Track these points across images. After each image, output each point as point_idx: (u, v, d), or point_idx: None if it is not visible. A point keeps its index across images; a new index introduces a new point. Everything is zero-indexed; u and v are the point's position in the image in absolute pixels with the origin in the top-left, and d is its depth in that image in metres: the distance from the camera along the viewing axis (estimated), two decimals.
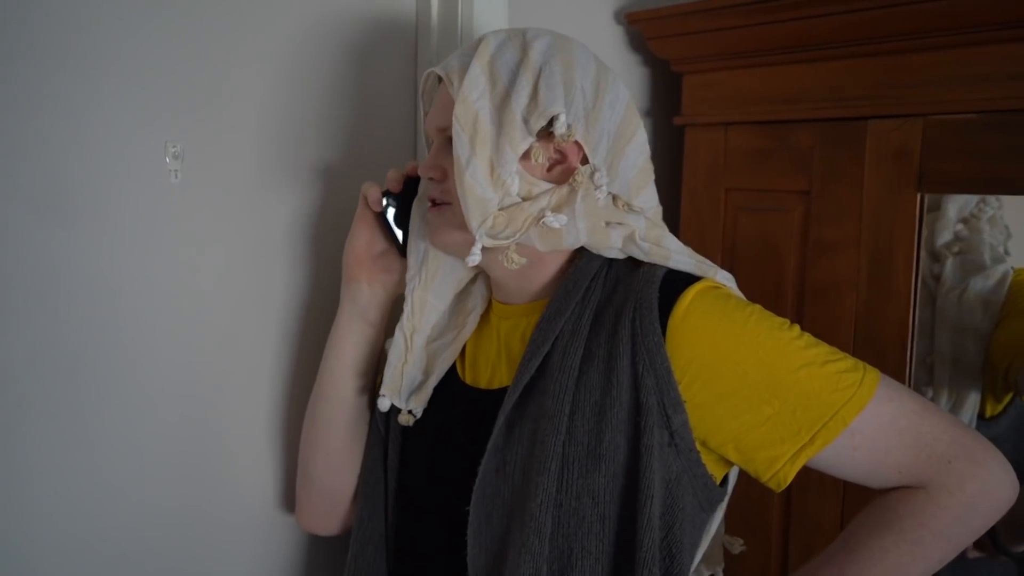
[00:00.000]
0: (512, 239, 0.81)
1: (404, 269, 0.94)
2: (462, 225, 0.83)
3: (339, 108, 1.05)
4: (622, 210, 0.83)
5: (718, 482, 0.83)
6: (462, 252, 0.85)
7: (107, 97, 0.87)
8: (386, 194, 0.93)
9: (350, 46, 1.05)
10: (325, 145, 1.04)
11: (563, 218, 0.80)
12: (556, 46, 0.83)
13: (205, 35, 0.92)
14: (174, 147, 0.91)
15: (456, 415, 0.90)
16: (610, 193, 0.83)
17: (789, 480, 0.76)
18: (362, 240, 0.94)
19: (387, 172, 0.95)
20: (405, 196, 0.94)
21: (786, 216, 1.23)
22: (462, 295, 0.96)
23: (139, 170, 0.89)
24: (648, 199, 0.89)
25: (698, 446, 0.78)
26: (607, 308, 0.81)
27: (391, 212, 0.94)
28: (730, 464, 0.82)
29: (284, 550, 1.05)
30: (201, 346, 0.96)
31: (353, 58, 1.05)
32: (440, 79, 0.89)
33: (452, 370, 0.94)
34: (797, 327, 0.79)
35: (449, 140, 0.84)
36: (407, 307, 0.93)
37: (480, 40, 0.84)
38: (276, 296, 1.04)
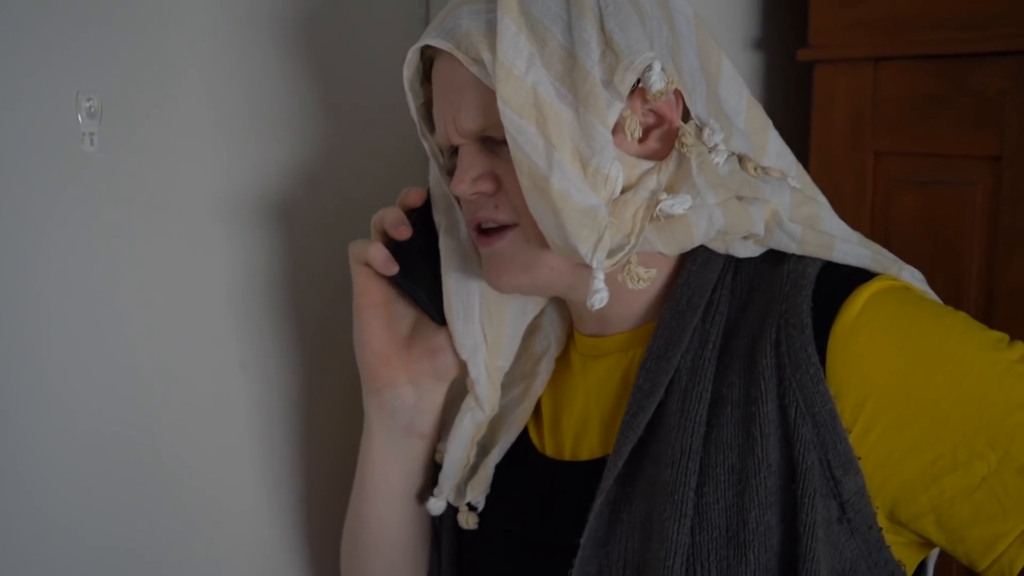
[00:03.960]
0: (630, 250, 0.71)
1: (451, 342, 0.83)
2: (539, 250, 0.74)
3: (323, 76, 0.99)
4: (755, 176, 0.75)
5: (910, 573, 0.74)
6: (550, 289, 0.77)
7: None
8: (391, 246, 0.82)
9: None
10: (301, 112, 0.99)
11: (686, 198, 0.71)
12: None
13: None
14: (89, 100, 0.84)
15: (533, 500, 0.82)
16: (732, 154, 0.75)
17: (1017, 569, 0.68)
18: (378, 327, 0.83)
19: (377, 212, 0.85)
20: (417, 237, 0.82)
21: (965, 192, 1.12)
22: (527, 331, 0.86)
23: (39, 132, 0.82)
24: (782, 152, 0.80)
25: (881, 519, 0.70)
26: (739, 329, 0.74)
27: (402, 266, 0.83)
28: (928, 546, 0.74)
29: None
30: (130, 375, 0.90)
31: (345, 11, 1.00)
32: (430, 56, 0.78)
33: (523, 436, 0.85)
34: (1021, 345, 0.71)
35: (489, 140, 0.74)
36: (479, 390, 0.83)
37: None
38: (234, 302, 0.96)
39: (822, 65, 1.23)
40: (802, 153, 1.25)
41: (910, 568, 0.74)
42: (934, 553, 0.78)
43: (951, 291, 1.13)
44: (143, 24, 0.87)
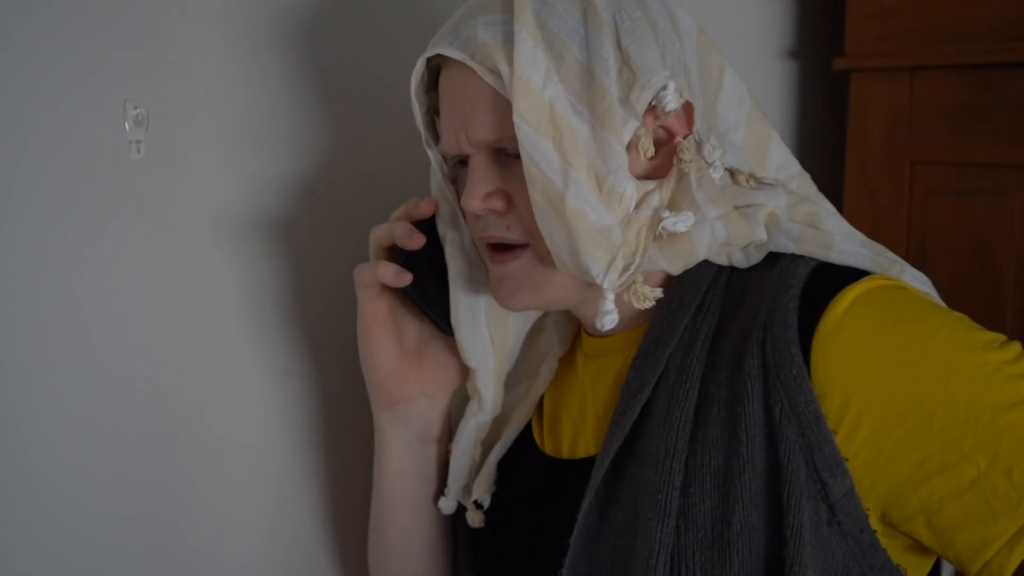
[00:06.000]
0: (635, 269, 0.71)
1: (455, 350, 0.84)
2: (550, 270, 0.74)
3: (331, 90, 1.00)
4: (749, 187, 0.75)
5: None
6: (560, 306, 0.78)
7: (38, 31, 0.80)
8: (400, 260, 0.82)
9: (379, 5, 1.01)
10: (336, 128, 1.00)
11: (688, 216, 0.71)
12: None
13: None
14: (136, 109, 0.85)
15: (533, 497, 0.83)
16: (726, 169, 0.75)
17: (1009, 573, 0.66)
18: (390, 346, 0.84)
19: (373, 231, 0.85)
20: (424, 248, 0.83)
21: (1004, 201, 1.15)
22: (532, 329, 0.87)
23: (86, 140, 0.83)
24: (783, 165, 0.80)
25: (875, 522, 0.69)
26: (729, 329, 0.73)
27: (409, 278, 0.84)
28: (928, 551, 0.72)
29: None
30: (173, 386, 0.90)
31: (384, 23, 1.01)
32: (437, 64, 0.78)
33: (527, 433, 0.86)
34: (1017, 346, 0.69)
35: (501, 152, 0.74)
36: (485, 394, 0.84)
37: None
38: (276, 316, 0.97)
39: (858, 74, 1.24)
40: (837, 162, 1.29)
41: (918, 574, 0.73)
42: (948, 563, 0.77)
43: (989, 299, 1.14)
44: (184, 38, 0.89)
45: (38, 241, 0.81)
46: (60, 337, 0.83)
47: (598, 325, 0.71)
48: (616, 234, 0.70)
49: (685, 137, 0.72)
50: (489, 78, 0.70)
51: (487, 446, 0.87)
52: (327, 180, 0.99)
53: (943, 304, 0.74)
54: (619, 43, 0.70)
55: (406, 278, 0.79)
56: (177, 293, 0.91)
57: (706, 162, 0.73)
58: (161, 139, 0.87)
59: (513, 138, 0.69)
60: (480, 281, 0.80)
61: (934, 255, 1.19)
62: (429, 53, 0.74)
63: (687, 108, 0.73)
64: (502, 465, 0.85)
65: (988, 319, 1.10)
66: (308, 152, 0.99)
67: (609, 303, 0.71)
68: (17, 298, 0.80)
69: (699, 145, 0.73)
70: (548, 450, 0.84)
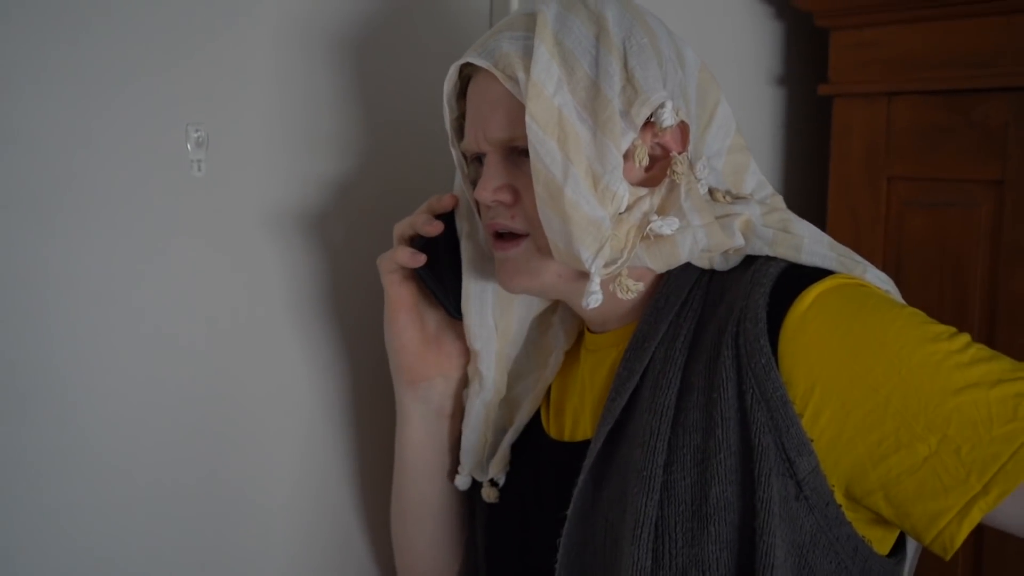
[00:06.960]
0: (622, 263, 0.77)
1: (462, 332, 0.90)
2: (546, 259, 0.79)
3: (368, 99, 1.04)
4: (726, 201, 0.81)
5: (885, 549, 0.77)
6: (554, 293, 0.83)
7: (110, 63, 0.85)
8: (418, 245, 0.88)
9: (413, 28, 1.05)
10: (353, 134, 1.03)
11: (674, 221, 0.76)
12: (628, 9, 0.80)
13: None
14: (197, 132, 0.88)
15: (539, 476, 0.88)
16: (708, 188, 0.82)
17: (958, 543, 0.69)
18: (414, 330, 0.90)
19: (397, 224, 0.90)
20: (441, 238, 0.88)
21: (971, 213, 1.19)
22: (541, 325, 0.93)
23: (152, 160, 0.87)
24: (757, 188, 0.86)
25: (839, 497, 0.72)
26: (709, 324, 0.77)
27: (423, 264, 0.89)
28: (889, 523, 0.75)
29: None
30: (230, 389, 0.95)
31: (416, 43, 1.05)
32: (468, 74, 0.84)
33: (537, 419, 0.91)
34: (965, 337, 0.72)
35: (514, 151, 0.80)
36: (487, 374, 0.89)
37: (529, 14, 0.79)
38: (324, 325, 1.01)
39: (840, 99, 1.29)
40: (822, 178, 1.34)
41: (882, 545, 0.76)
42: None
43: (957, 303, 1.19)
44: (239, 67, 0.92)
45: (111, 247, 0.85)
46: (130, 330, 0.86)
47: (583, 304, 0.76)
48: (606, 226, 0.75)
49: (680, 153, 0.77)
50: (508, 84, 0.76)
51: (501, 430, 0.92)
52: (376, 198, 1.02)
53: (901, 301, 0.78)
54: (626, 64, 0.75)
55: (420, 259, 0.86)
56: (233, 292, 0.94)
57: (696, 177, 0.78)
58: (219, 158, 0.90)
59: (524, 138, 0.75)
60: (488, 271, 0.86)
61: (909, 261, 1.24)
62: (461, 61, 0.81)
63: (683, 128, 0.78)
64: (515, 447, 0.90)
65: (957, 318, 1.20)
66: (351, 161, 1.02)
67: (595, 285, 0.76)
68: (94, 297, 0.84)
69: (691, 162, 0.78)
70: (553, 434, 0.89)
